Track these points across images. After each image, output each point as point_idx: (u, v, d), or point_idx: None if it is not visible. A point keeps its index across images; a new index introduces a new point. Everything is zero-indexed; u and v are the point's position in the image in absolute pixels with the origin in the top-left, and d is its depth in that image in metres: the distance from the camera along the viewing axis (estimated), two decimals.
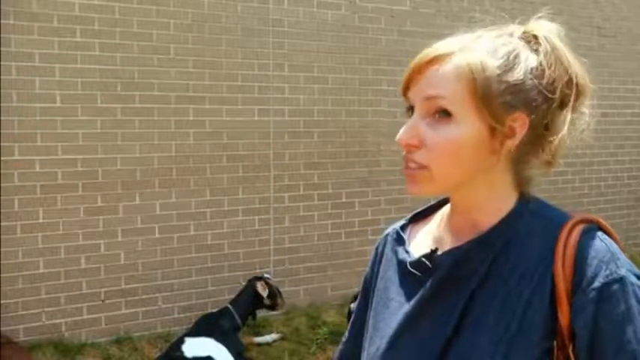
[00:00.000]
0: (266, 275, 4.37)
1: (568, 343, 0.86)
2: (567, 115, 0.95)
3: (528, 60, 0.93)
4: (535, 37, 0.97)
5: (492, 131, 0.90)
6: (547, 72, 0.92)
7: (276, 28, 4.83)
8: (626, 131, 6.69)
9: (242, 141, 4.74)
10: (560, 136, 0.95)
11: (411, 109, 0.96)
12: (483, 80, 0.89)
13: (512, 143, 0.91)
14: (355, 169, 5.21)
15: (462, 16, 5.54)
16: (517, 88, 0.90)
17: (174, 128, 4.49)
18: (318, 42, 5.01)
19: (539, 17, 0.99)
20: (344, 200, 5.16)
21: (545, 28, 0.98)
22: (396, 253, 1.08)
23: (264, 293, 4.17)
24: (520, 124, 0.91)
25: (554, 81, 0.92)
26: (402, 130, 0.93)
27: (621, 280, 0.85)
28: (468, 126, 0.90)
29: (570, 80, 0.95)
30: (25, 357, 3.82)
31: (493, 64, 0.90)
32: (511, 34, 0.98)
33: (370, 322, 1.07)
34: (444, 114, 0.90)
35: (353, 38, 5.16)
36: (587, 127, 0.99)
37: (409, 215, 1.13)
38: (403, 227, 1.11)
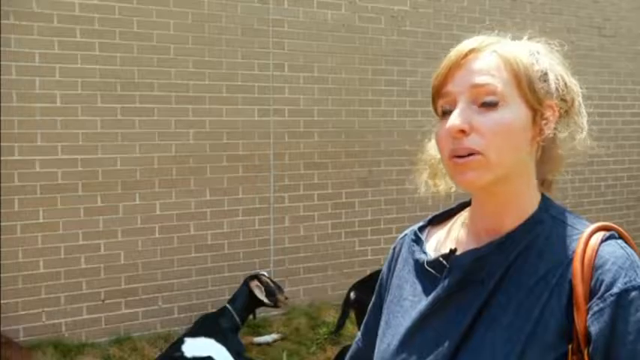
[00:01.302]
0: (261, 272, 4.34)
1: (583, 348, 0.85)
2: (573, 116, 0.99)
3: (545, 57, 0.98)
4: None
5: (534, 117, 0.94)
6: (562, 74, 0.98)
7: (276, 28, 4.83)
8: (626, 131, 6.69)
9: (242, 141, 4.74)
10: (568, 134, 0.98)
11: (444, 113, 0.95)
12: (525, 67, 0.93)
13: (547, 132, 0.95)
14: (355, 169, 5.21)
15: (462, 16, 5.54)
16: (545, 77, 0.95)
17: (174, 128, 4.49)
18: (318, 42, 5.01)
19: (532, 38, 1.02)
20: (344, 200, 5.16)
21: (543, 45, 1.02)
22: (412, 253, 1.09)
23: (260, 293, 4.13)
24: (552, 113, 0.95)
25: (565, 82, 0.98)
26: (452, 117, 0.91)
27: None
28: (515, 109, 0.92)
29: (570, 86, 1.00)
30: (25, 357, 3.82)
31: (526, 54, 0.96)
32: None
33: (383, 319, 1.08)
34: (490, 102, 0.91)
35: (353, 38, 5.16)
36: (587, 130, 1.02)
37: (428, 217, 1.14)
38: (421, 229, 1.12)
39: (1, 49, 3.94)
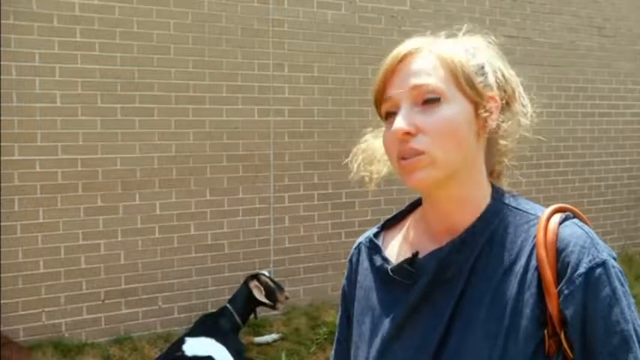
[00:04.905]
0: (261, 272, 4.33)
1: (559, 331, 0.87)
2: (515, 105, 1.00)
3: (482, 52, 0.99)
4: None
5: (476, 111, 0.94)
6: (501, 68, 1.00)
7: (276, 28, 4.83)
8: (626, 131, 6.69)
9: (242, 141, 4.74)
10: (511, 123, 0.99)
11: (388, 115, 0.97)
12: (461, 63, 0.94)
13: (491, 123, 0.95)
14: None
15: (462, 16, 5.54)
16: (483, 71, 0.96)
17: (174, 128, 4.49)
18: (318, 42, 5.02)
19: (468, 32, 1.03)
20: (344, 200, 5.16)
21: (479, 40, 1.03)
22: (372, 261, 1.07)
23: (259, 294, 4.12)
24: (494, 104, 0.96)
25: (503, 74, 0.99)
26: (397, 121, 0.92)
27: (604, 264, 0.88)
28: (457, 105, 0.93)
29: (509, 78, 1.01)
30: (25, 357, 3.82)
31: (461, 51, 0.97)
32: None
33: (355, 333, 1.07)
34: (432, 100, 0.92)
35: (353, 38, 5.16)
36: (531, 118, 1.02)
37: (380, 223, 1.13)
38: (376, 235, 1.11)
39: (1, 49, 3.94)
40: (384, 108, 0.97)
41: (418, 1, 5.41)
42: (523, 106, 1.01)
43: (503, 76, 0.98)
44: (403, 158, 0.93)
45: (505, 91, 0.98)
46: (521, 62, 5.60)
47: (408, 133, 0.91)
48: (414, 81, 0.93)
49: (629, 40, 6.63)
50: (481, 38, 1.01)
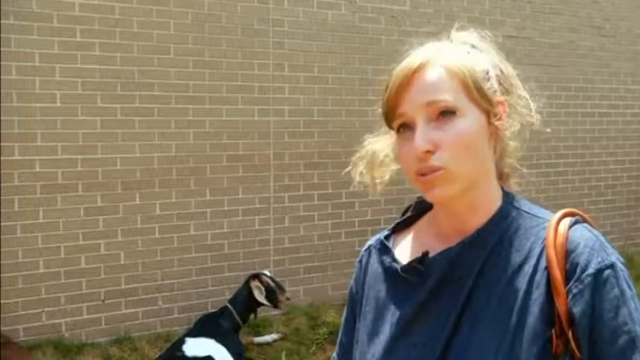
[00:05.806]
0: (263, 272, 4.33)
1: (567, 330, 0.88)
2: (517, 101, 1.01)
3: (480, 52, 0.99)
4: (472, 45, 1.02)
5: (488, 118, 0.96)
6: (498, 64, 1.00)
7: (276, 28, 4.83)
8: (626, 131, 6.69)
9: (242, 141, 4.74)
10: (516, 121, 1.00)
11: (402, 127, 0.97)
12: (470, 72, 0.94)
13: (503, 127, 0.97)
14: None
15: (462, 16, 5.54)
16: (488, 76, 0.97)
17: (174, 128, 4.49)
18: (318, 42, 5.01)
19: (460, 28, 1.03)
20: (344, 200, 5.16)
21: (473, 35, 1.03)
22: (382, 262, 1.09)
23: (259, 294, 4.11)
24: (502, 108, 0.97)
25: (501, 69, 1.00)
26: (416, 139, 0.92)
27: (613, 266, 0.89)
28: (471, 117, 0.94)
29: (506, 72, 1.02)
30: (25, 357, 3.82)
31: (467, 59, 0.96)
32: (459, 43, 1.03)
33: (362, 331, 1.08)
34: (447, 114, 0.93)
35: (353, 38, 5.16)
36: (533, 111, 1.02)
37: (391, 225, 1.15)
38: (387, 237, 1.12)
39: (1, 49, 3.94)
40: (397, 123, 0.97)
41: (418, 1, 5.41)
42: (525, 109, 1.01)
43: (502, 71, 0.99)
44: (422, 174, 0.93)
45: (507, 89, 0.99)
46: (521, 62, 5.60)
47: (428, 151, 0.92)
48: (429, 97, 0.93)
49: (629, 40, 6.63)
50: (474, 33, 1.02)
